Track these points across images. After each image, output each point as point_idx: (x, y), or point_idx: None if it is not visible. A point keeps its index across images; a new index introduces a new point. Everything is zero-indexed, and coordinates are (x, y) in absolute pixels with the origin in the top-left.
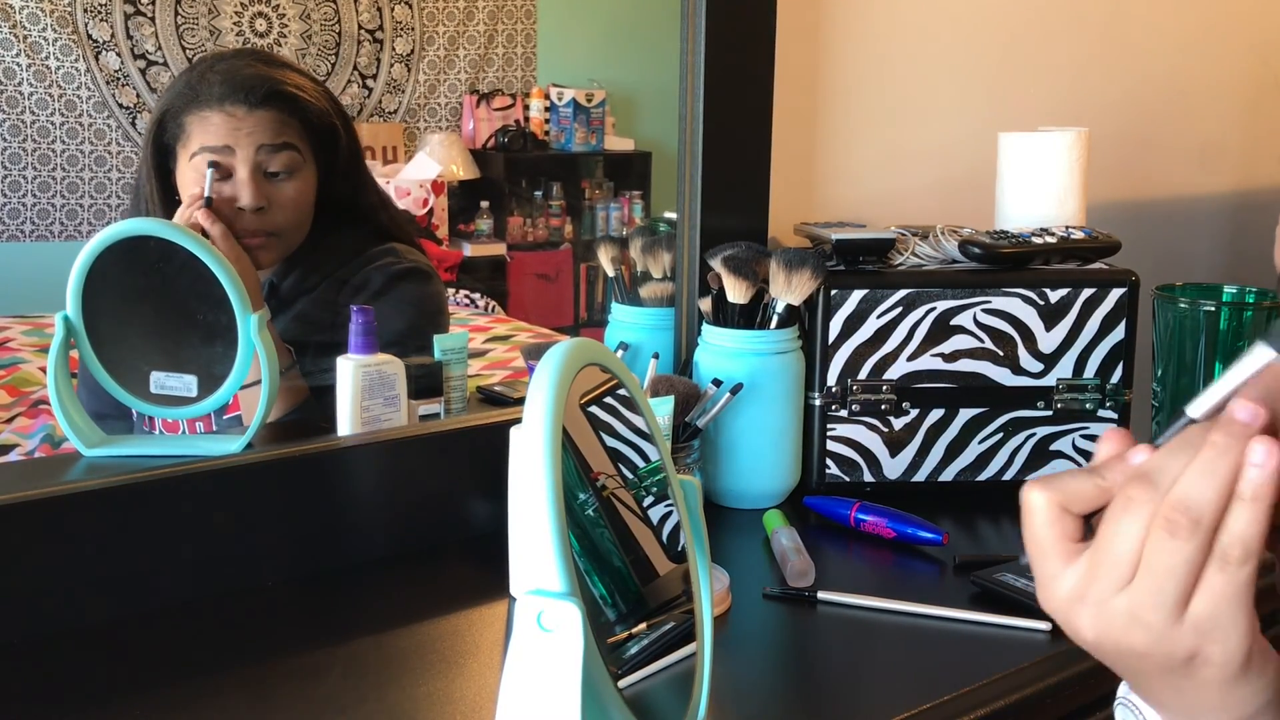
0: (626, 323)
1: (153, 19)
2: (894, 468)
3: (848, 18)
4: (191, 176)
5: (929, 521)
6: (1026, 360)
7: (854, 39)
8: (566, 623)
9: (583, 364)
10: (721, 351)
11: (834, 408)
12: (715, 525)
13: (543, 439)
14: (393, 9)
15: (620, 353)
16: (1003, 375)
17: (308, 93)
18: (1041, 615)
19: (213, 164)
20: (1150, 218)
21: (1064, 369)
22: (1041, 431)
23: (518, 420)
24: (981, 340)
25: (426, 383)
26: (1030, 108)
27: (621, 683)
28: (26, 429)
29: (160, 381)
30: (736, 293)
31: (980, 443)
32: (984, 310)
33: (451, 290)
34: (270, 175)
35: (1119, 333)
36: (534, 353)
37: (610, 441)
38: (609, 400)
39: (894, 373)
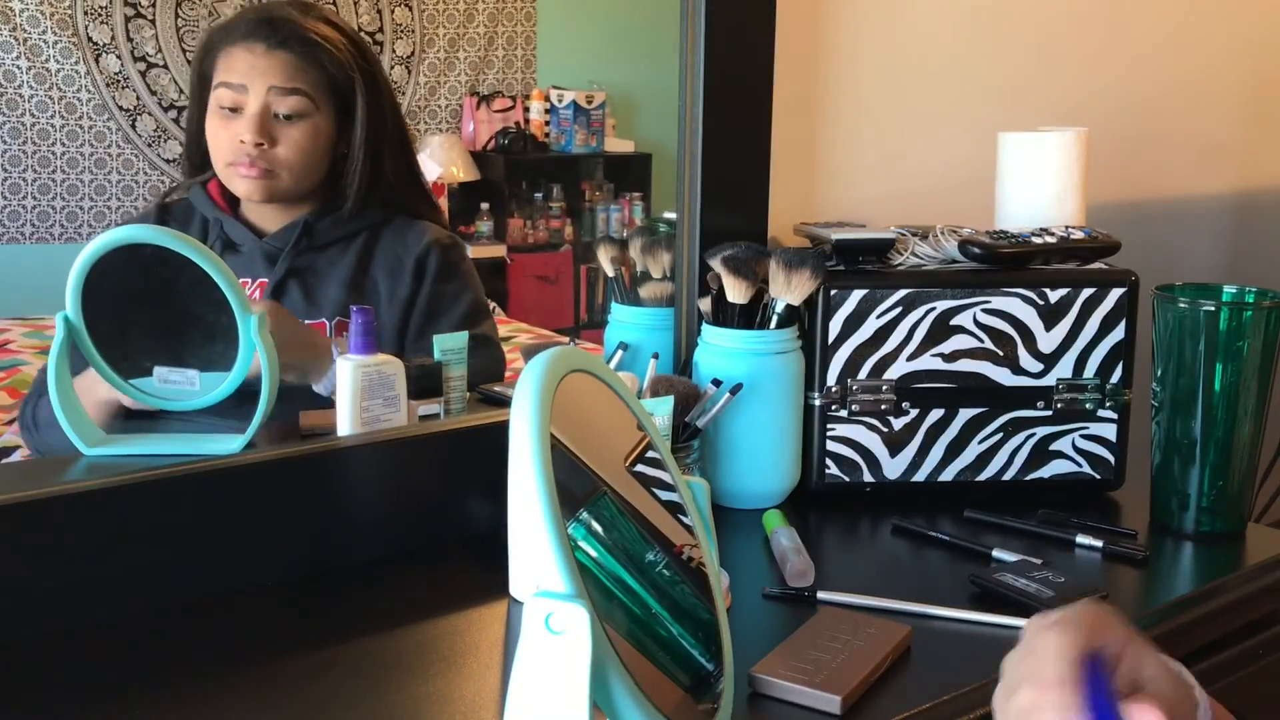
0: (626, 323)
1: (153, 21)
2: (894, 468)
3: (848, 18)
4: (212, 108)
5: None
6: (1026, 360)
7: (854, 39)
8: (575, 625)
9: (567, 370)
10: (721, 351)
11: (834, 408)
12: (715, 525)
13: (530, 440)
14: (393, 11)
15: (620, 353)
16: (1002, 375)
17: (333, 44)
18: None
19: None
20: (1150, 217)
21: (1064, 369)
22: (1041, 431)
23: None
24: (981, 340)
25: (426, 383)
26: (1030, 107)
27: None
28: None
29: (163, 376)
30: (736, 293)
31: (980, 443)
32: (984, 310)
33: None
34: (279, 117)
35: (1119, 333)
36: (534, 354)
37: (665, 495)
38: (649, 455)
39: (894, 373)
